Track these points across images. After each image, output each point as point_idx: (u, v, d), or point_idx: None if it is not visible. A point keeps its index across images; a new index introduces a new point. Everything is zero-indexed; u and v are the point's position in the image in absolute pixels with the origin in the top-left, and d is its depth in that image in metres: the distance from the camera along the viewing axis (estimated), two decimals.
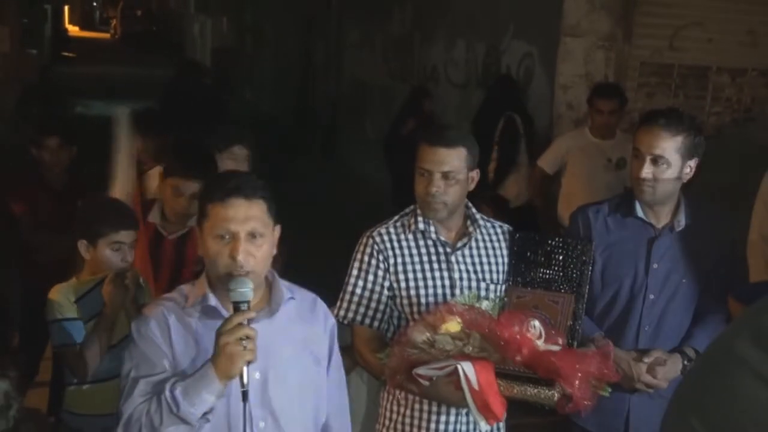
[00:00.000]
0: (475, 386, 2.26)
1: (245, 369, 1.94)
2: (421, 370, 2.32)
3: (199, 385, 1.93)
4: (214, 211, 2.03)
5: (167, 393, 1.94)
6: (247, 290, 1.97)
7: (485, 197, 5.51)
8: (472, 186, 2.71)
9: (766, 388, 0.93)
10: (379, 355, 2.50)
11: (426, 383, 2.35)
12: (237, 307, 1.97)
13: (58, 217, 4.16)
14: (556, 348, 2.41)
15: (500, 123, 6.33)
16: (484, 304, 2.44)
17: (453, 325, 2.32)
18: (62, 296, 2.93)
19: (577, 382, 2.29)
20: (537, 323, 2.41)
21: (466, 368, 2.26)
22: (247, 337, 1.93)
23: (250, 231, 2.02)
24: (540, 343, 2.39)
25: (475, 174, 2.71)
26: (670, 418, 1.05)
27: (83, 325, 2.90)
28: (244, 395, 1.96)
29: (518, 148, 6.25)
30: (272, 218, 2.10)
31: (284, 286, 2.19)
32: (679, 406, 1.03)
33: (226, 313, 2.05)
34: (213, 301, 2.08)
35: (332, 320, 2.32)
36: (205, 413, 1.96)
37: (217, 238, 2.02)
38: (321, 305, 2.30)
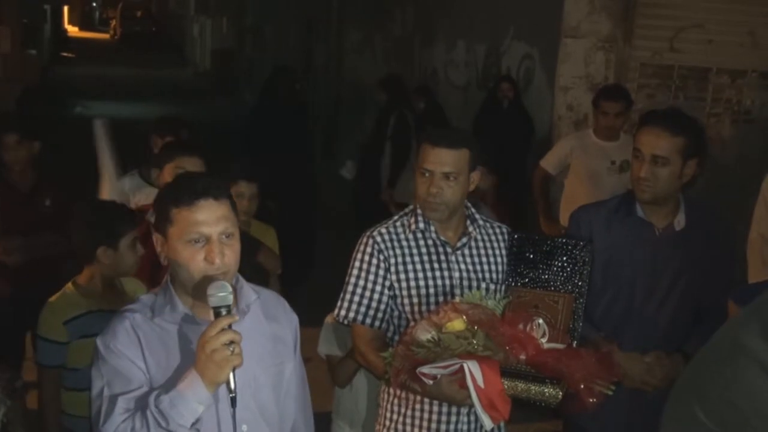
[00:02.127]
0: (481, 385, 2.26)
1: (231, 374, 1.91)
2: (425, 369, 2.32)
3: (187, 395, 1.88)
4: (181, 215, 1.99)
5: (153, 407, 1.89)
6: (226, 294, 1.94)
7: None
8: (472, 187, 2.71)
9: None
10: (383, 354, 2.50)
11: (430, 382, 2.35)
12: (218, 312, 1.94)
13: (26, 218, 4.11)
14: (560, 347, 2.42)
15: (392, 119, 6.82)
16: (489, 304, 2.44)
17: (458, 324, 2.32)
18: (52, 316, 2.93)
19: (581, 380, 2.29)
20: (542, 321, 2.42)
21: (472, 367, 2.26)
22: (233, 342, 1.90)
23: (222, 232, 2.00)
24: (544, 342, 2.40)
25: (476, 175, 2.71)
26: (673, 405, 1.05)
27: (66, 347, 2.90)
28: (233, 401, 1.93)
29: (410, 145, 6.59)
30: (237, 216, 2.09)
31: (248, 285, 2.18)
32: (683, 394, 1.04)
33: (199, 320, 2.02)
34: (182, 307, 2.05)
35: (295, 317, 2.31)
36: (194, 424, 1.91)
37: (189, 243, 1.98)
38: (283, 302, 2.30)
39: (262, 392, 2.12)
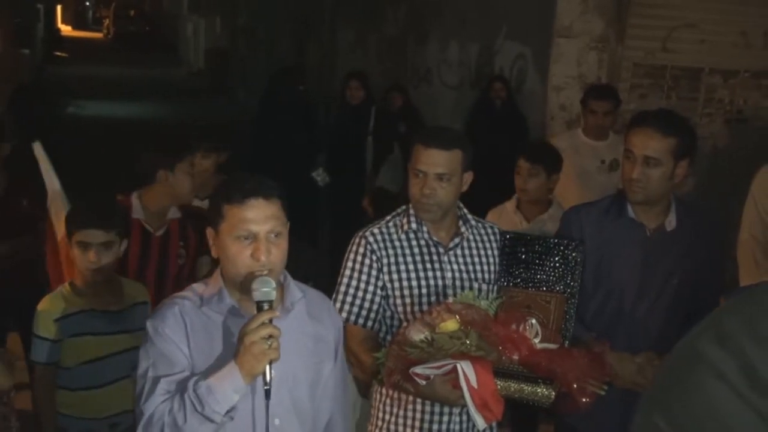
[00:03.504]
0: (475, 385, 2.27)
1: (268, 367, 1.96)
2: (418, 369, 2.32)
3: (224, 383, 1.95)
4: (232, 212, 2.06)
5: (191, 392, 1.95)
6: (269, 290, 2.01)
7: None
8: (465, 187, 2.72)
9: (727, 387, 0.94)
10: (376, 354, 2.50)
11: (423, 382, 2.35)
12: (260, 307, 2.00)
13: (3, 219, 4.00)
14: (552, 347, 2.43)
15: (372, 113, 6.85)
16: (482, 304, 2.45)
17: (451, 324, 2.32)
18: (45, 313, 2.96)
19: (574, 380, 2.30)
20: (534, 322, 2.43)
21: (465, 367, 2.27)
22: (271, 336, 1.96)
23: (270, 230, 2.05)
24: (537, 342, 2.41)
25: (469, 176, 2.72)
26: (637, 416, 1.06)
27: (59, 345, 2.93)
28: (267, 393, 1.99)
29: (393, 137, 6.56)
30: (286, 216, 2.14)
31: (295, 284, 2.24)
32: (645, 404, 1.05)
33: (244, 313, 2.08)
34: (229, 300, 2.11)
35: (339, 318, 2.38)
36: (228, 411, 1.97)
37: (237, 239, 2.05)
38: (328, 303, 2.38)
39: (299, 389, 2.17)
